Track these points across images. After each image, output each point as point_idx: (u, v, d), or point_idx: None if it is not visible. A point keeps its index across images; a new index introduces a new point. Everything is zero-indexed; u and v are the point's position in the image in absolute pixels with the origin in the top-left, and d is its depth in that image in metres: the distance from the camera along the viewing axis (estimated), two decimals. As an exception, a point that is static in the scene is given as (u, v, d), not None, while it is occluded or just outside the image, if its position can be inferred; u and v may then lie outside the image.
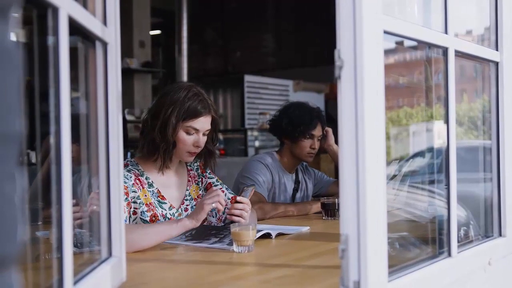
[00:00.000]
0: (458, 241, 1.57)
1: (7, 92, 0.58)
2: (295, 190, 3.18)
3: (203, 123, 2.26)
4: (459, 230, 1.66)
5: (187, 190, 2.39)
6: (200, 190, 2.43)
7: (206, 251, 1.94)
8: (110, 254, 1.39)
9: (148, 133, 2.24)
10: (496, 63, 1.83)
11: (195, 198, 2.40)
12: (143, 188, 2.23)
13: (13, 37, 0.61)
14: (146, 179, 2.26)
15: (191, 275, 1.67)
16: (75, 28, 1.14)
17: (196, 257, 1.85)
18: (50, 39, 1.04)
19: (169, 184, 2.33)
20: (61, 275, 1.03)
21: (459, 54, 1.60)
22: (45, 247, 1.44)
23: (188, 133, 2.24)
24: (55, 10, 1.01)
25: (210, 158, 2.40)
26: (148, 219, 2.20)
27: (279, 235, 2.22)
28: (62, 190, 1.02)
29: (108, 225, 1.39)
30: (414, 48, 1.77)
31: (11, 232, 0.59)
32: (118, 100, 1.41)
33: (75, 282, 1.11)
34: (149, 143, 2.24)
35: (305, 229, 2.39)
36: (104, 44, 1.37)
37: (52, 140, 1.03)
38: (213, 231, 2.17)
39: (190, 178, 2.42)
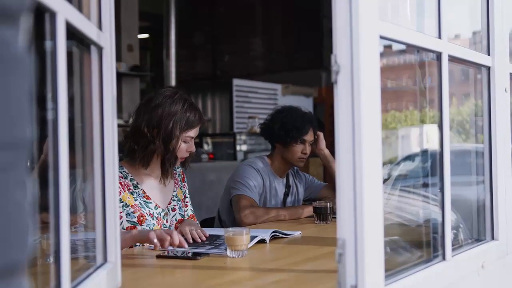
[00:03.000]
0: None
1: (18, 98, 0.58)
2: (286, 195, 3.18)
3: (197, 130, 2.38)
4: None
5: (174, 191, 2.47)
6: (182, 195, 2.52)
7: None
8: (105, 260, 1.38)
9: (148, 144, 2.27)
10: (488, 68, 1.85)
11: (181, 200, 2.49)
12: (124, 191, 2.27)
13: (23, 43, 0.61)
14: (130, 180, 2.32)
15: (186, 280, 1.67)
16: (71, 33, 1.13)
17: (190, 263, 1.84)
18: (47, 44, 1.03)
19: (155, 186, 2.39)
20: (58, 281, 1.02)
21: (451, 59, 1.61)
22: (38, 253, 1.43)
23: (185, 142, 2.33)
24: (53, 14, 1.01)
25: (190, 156, 2.44)
26: (135, 219, 2.26)
27: (274, 238, 2.22)
28: (59, 196, 1.02)
29: (103, 231, 1.38)
30: (402, 52, 1.77)
31: (23, 239, 0.59)
32: (113, 104, 1.41)
33: (72, 288, 1.11)
34: (150, 154, 2.29)
35: (298, 233, 2.39)
36: (99, 49, 1.36)
37: (50, 144, 1.02)
38: (207, 240, 2.16)
39: (176, 181, 2.50)
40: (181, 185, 2.53)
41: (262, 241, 2.14)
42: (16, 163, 0.58)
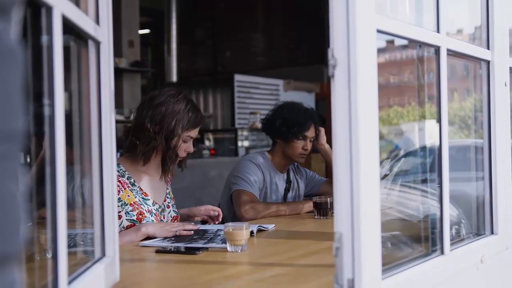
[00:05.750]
0: (450, 240, 1.58)
1: (11, 90, 0.58)
2: (287, 190, 3.18)
3: (197, 131, 2.42)
4: (450, 229, 1.67)
5: (167, 189, 2.51)
6: (172, 193, 2.56)
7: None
8: (103, 254, 1.39)
9: (150, 140, 2.29)
10: (488, 62, 1.84)
11: (173, 198, 2.54)
12: (125, 188, 2.29)
13: (15, 35, 0.61)
14: (127, 179, 2.34)
15: (185, 275, 1.67)
16: (68, 27, 1.13)
17: (189, 257, 1.84)
18: (44, 38, 1.03)
19: (151, 183, 2.42)
20: (55, 275, 1.02)
21: (451, 53, 1.60)
22: (36, 248, 1.43)
23: (184, 141, 2.36)
24: (49, 9, 1.01)
25: (186, 156, 2.47)
26: (135, 217, 2.28)
27: (259, 231, 2.27)
28: (56, 191, 1.02)
29: (101, 225, 1.38)
30: (404, 47, 1.77)
31: (15, 230, 0.60)
32: (111, 99, 1.41)
33: (69, 282, 1.11)
34: (151, 150, 2.32)
35: (272, 226, 2.42)
36: (97, 43, 1.36)
37: (46, 140, 1.02)
38: (195, 235, 2.16)
39: (168, 179, 2.54)
40: (170, 184, 2.58)
41: (251, 234, 2.15)
42: (9, 155, 0.59)
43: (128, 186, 2.31)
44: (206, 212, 2.52)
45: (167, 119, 2.29)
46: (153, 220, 2.31)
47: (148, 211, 2.32)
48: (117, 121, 6.00)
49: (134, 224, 2.25)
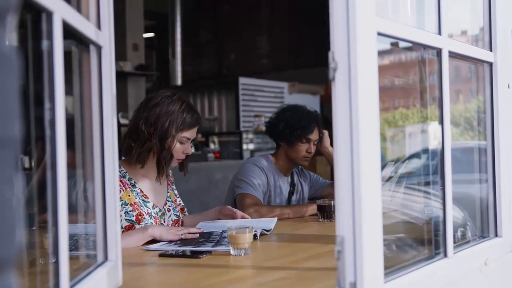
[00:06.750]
0: (455, 242, 1.58)
1: (6, 96, 0.59)
2: (291, 193, 3.18)
3: (195, 132, 2.40)
4: (456, 231, 1.66)
5: (168, 192, 2.51)
6: (175, 196, 2.57)
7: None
8: (106, 258, 1.39)
9: (145, 142, 2.30)
10: (490, 64, 1.84)
11: (174, 201, 2.53)
12: (126, 189, 2.30)
13: (10, 41, 0.61)
14: (128, 180, 2.35)
15: (188, 278, 1.67)
16: (69, 32, 1.13)
17: (192, 261, 1.84)
18: (44, 43, 1.04)
19: (151, 187, 2.42)
20: (57, 279, 1.02)
21: (453, 55, 1.60)
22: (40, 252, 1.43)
23: (181, 142, 2.36)
24: (49, 14, 1.01)
25: (187, 160, 2.47)
26: (134, 218, 2.28)
27: (262, 234, 2.26)
28: (57, 195, 1.02)
29: (103, 229, 1.39)
30: (409, 49, 1.77)
31: (10, 236, 0.60)
32: (112, 104, 1.41)
33: (71, 286, 1.11)
34: (146, 152, 2.32)
35: (273, 222, 2.43)
36: (98, 48, 1.37)
37: (47, 145, 1.03)
38: (201, 238, 2.16)
39: (169, 183, 2.54)
40: (173, 187, 2.58)
41: (254, 237, 2.13)
42: (4, 160, 0.59)
43: (129, 187, 2.32)
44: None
45: (161, 119, 2.30)
46: (152, 223, 2.31)
47: (148, 214, 2.32)
48: (122, 125, 6.01)
49: (133, 225, 2.25)
